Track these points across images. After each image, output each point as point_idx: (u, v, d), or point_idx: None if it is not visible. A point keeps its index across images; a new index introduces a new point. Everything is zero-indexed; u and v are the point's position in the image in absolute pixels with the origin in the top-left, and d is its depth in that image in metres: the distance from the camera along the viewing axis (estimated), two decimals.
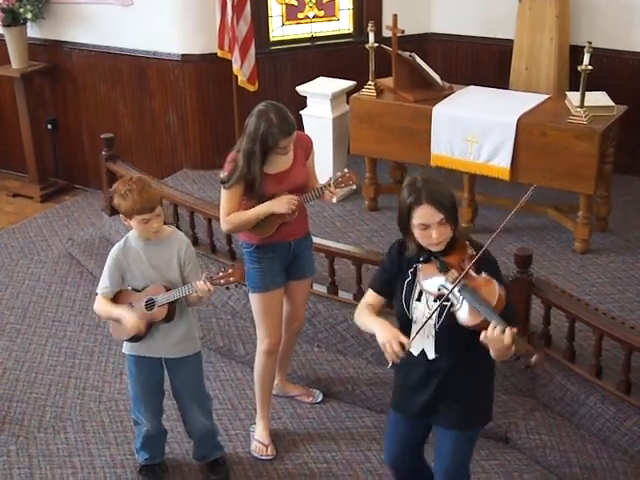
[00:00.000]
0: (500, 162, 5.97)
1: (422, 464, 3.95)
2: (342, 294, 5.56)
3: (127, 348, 4.41)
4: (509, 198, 6.45)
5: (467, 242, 3.44)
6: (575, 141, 5.73)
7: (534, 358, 3.15)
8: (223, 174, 4.43)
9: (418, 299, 3.46)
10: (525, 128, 5.88)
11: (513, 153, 5.92)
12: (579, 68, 5.66)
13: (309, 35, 7.71)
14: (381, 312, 3.64)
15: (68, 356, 5.73)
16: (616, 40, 6.88)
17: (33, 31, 7.91)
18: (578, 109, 5.76)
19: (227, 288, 4.16)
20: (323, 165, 6.36)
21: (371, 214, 6.69)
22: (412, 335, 3.41)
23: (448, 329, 3.40)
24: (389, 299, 3.61)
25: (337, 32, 7.76)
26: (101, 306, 4.28)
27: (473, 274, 3.32)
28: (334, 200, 4.53)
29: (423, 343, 3.48)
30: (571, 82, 6.82)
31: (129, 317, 4.16)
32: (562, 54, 6.93)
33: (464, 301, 3.27)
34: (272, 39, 7.60)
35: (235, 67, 6.74)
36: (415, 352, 3.50)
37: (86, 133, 8.14)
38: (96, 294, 4.32)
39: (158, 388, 4.51)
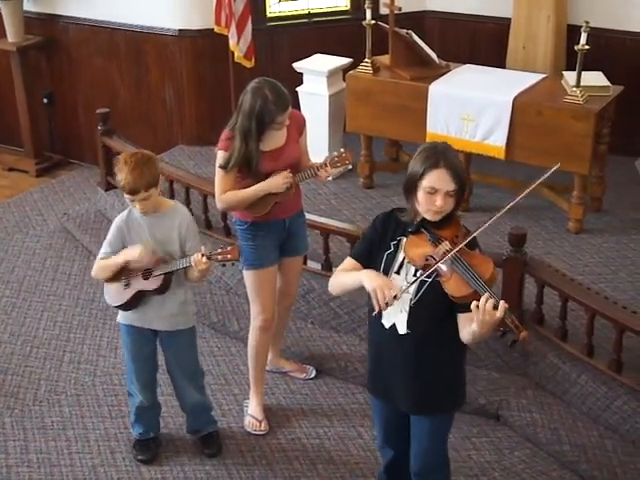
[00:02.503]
0: (496, 141, 5.98)
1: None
2: None
3: (121, 317, 4.44)
4: (504, 177, 6.48)
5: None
6: (571, 121, 5.73)
7: (523, 334, 3.11)
8: (218, 153, 4.42)
9: (397, 272, 3.39)
10: (521, 107, 5.88)
11: (509, 132, 5.92)
12: (576, 48, 5.66)
13: (306, 11, 7.68)
14: None
15: (63, 330, 5.75)
16: (614, 20, 6.86)
17: (29, 4, 7.86)
18: (574, 89, 5.76)
19: (223, 265, 4.18)
20: (319, 142, 6.38)
21: (366, 192, 6.70)
22: (399, 292, 3.26)
23: (424, 304, 3.34)
24: (366, 267, 3.48)
25: (334, 9, 7.73)
26: (101, 265, 4.30)
27: (467, 249, 3.29)
28: (330, 178, 4.54)
29: (395, 317, 3.40)
30: (568, 61, 6.82)
31: (131, 251, 4.17)
32: (559, 33, 6.92)
33: (455, 272, 3.22)
34: (269, 15, 7.58)
35: (232, 43, 6.72)
36: (387, 324, 3.44)
37: (82, 108, 8.12)
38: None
39: (150, 360, 4.53)
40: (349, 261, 3.55)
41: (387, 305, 3.23)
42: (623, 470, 4.39)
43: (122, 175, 4.06)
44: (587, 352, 4.79)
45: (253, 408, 4.89)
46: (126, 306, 4.32)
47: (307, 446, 4.75)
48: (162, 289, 4.23)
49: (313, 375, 5.25)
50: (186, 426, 4.78)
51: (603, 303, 4.69)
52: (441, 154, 3.29)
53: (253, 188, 4.39)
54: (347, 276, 3.45)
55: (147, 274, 4.20)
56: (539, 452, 4.64)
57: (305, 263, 5.26)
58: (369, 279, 3.29)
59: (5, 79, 8.23)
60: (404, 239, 3.39)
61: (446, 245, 3.28)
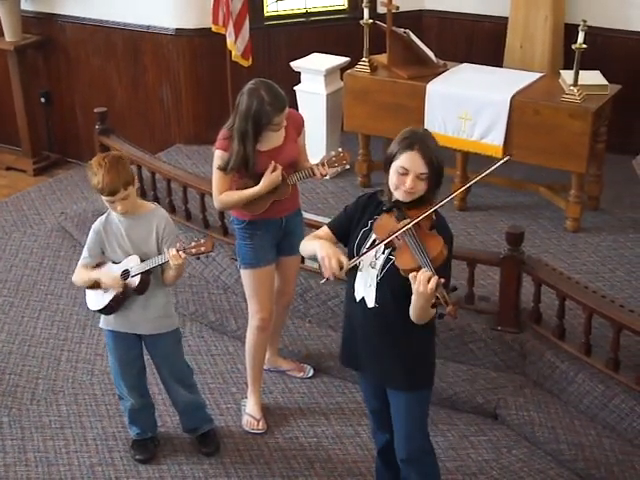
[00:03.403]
0: (493, 140, 5.98)
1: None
2: None
3: (104, 322, 4.42)
4: (502, 176, 6.48)
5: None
6: (568, 119, 5.74)
7: (449, 308, 3.18)
8: (216, 152, 4.41)
9: (369, 248, 3.48)
10: (519, 106, 5.88)
11: (506, 131, 5.92)
12: (573, 46, 5.66)
13: (304, 10, 7.69)
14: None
15: (61, 329, 5.75)
16: (611, 19, 6.87)
17: (27, 4, 7.86)
18: (572, 88, 5.77)
19: (197, 258, 4.18)
20: (316, 141, 6.38)
21: (364, 191, 6.66)
22: (347, 265, 3.43)
23: (389, 280, 3.45)
24: (340, 240, 3.64)
25: (332, 8, 7.73)
26: (79, 274, 4.33)
27: (425, 229, 3.40)
28: (327, 177, 4.54)
29: (364, 291, 3.54)
30: (565, 60, 6.82)
31: (107, 276, 4.21)
32: (557, 32, 6.92)
33: (407, 246, 3.34)
34: (267, 14, 7.58)
35: (229, 42, 6.72)
36: (357, 297, 3.57)
37: (79, 107, 8.12)
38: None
39: (136, 363, 4.51)
40: (324, 229, 3.70)
41: (334, 275, 3.38)
42: (620, 469, 4.39)
43: (99, 178, 4.05)
44: (584, 351, 4.79)
45: (251, 407, 4.89)
46: (107, 309, 4.30)
47: (305, 445, 4.75)
48: (141, 288, 4.20)
49: (311, 374, 5.25)
50: (181, 425, 4.77)
51: (600, 302, 4.69)
52: (418, 138, 3.42)
53: (251, 190, 4.39)
54: (309, 244, 3.61)
55: (125, 275, 4.20)
56: (537, 451, 4.64)
57: (302, 262, 5.27)
58: (320, 248, 3.46)
59: (2, 78, 8.22)
60: (379, 216, 3.52)
61: (407, 222, 3.39)
